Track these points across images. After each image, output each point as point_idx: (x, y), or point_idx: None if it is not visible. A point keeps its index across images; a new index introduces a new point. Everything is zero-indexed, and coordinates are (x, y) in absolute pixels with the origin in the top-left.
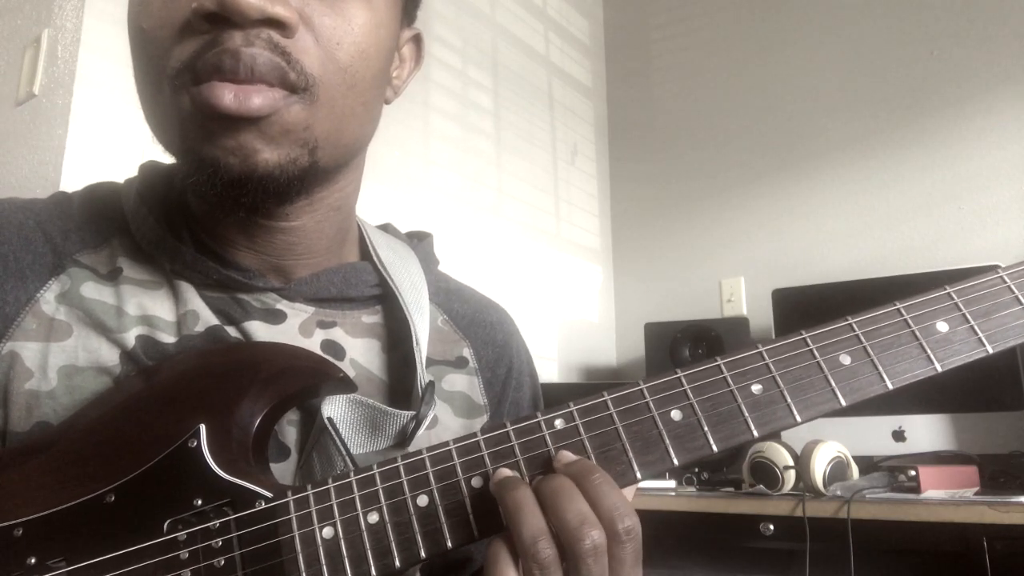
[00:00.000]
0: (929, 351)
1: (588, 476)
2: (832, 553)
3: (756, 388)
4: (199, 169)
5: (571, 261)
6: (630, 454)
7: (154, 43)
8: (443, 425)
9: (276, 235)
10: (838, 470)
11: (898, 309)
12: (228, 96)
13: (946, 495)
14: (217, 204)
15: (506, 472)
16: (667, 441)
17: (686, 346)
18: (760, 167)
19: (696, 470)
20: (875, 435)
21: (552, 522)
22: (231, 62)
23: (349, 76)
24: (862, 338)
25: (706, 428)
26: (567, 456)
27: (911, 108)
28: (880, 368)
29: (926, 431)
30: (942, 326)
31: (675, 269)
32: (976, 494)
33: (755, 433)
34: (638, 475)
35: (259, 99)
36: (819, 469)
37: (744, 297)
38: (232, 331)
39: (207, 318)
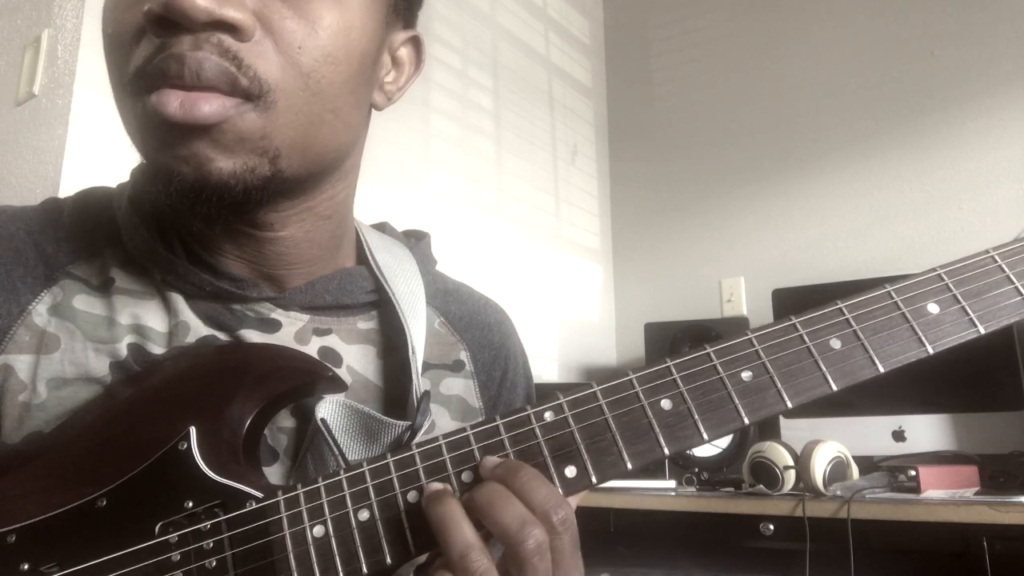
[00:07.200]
0: (920, 333)
1: (515, 475)
2: (832, 553)
3: (746, 375)
4: (155, 178)
5: (571, 261)
6: (620, 444)
7: (117, 49)
8: (439, 429)
9: (265, 245)
10: (838, 470)
11: (888, 292)
12: (175, 104)
13: (946, 495)
14: (172, 215)
15: (436, 486)
16: (657, 430)
17: (686, 346)
18: (760, 167)
19: (696, 470)
20: (875, 435)
21: (493, 529)
22: (176, 67)
23: (313, 82)
24: (852, 322)
25: (696, 416)
26: (491, 460)
27: (911, 108)
28: (871, 351)
29: (926, 431)
30: (933, 308)
31: (675, 269)
32: (976, 494)
33: (746, 420)
34: (628, 465)
35: (207, 107)
36: (819, 469)
37: (744, 297)
38: (225, 339)
39: (198, 329)
